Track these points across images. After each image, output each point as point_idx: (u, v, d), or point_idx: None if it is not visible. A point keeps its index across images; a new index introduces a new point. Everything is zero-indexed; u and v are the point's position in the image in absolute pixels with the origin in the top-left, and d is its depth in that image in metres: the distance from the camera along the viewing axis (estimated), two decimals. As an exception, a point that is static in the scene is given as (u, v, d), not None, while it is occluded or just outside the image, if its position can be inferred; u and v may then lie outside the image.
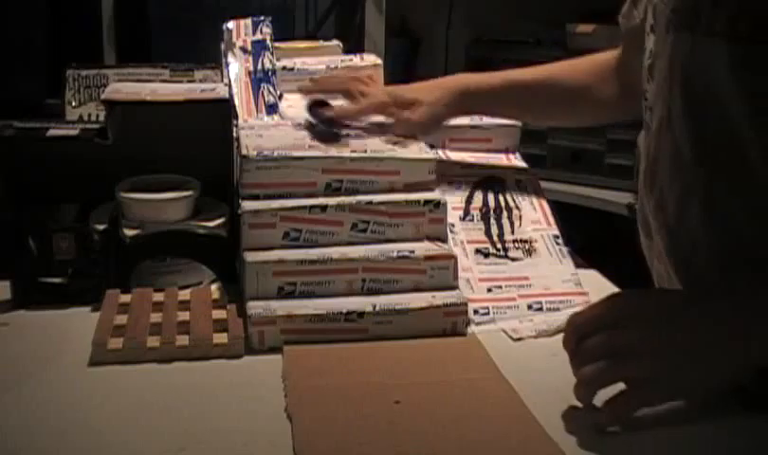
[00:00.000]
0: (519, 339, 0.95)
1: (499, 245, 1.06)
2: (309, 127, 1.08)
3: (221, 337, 0.90)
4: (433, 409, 0.79)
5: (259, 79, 1.21)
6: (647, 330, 0.75)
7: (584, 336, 0.77)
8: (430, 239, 0.98)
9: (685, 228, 0.86)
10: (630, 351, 0.75)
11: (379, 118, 1.11)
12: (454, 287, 0.96)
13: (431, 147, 1.12)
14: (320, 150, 0.99)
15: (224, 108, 1.14)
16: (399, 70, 2.62)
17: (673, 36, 0.82)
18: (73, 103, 1.38)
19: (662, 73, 0.84)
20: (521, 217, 1.10)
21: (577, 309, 0.99)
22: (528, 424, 0.77)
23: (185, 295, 0.99)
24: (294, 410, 0.78)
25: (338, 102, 1.14)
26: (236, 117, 1.14)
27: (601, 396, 0.76)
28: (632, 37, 1.02)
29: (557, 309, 1.00)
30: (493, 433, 0.76)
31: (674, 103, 0.83)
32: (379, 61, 1.41)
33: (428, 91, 1.13)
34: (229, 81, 1.21)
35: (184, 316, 0.94)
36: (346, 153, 0.99)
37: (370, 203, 0.97)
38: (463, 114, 1.17)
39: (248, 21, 1.30)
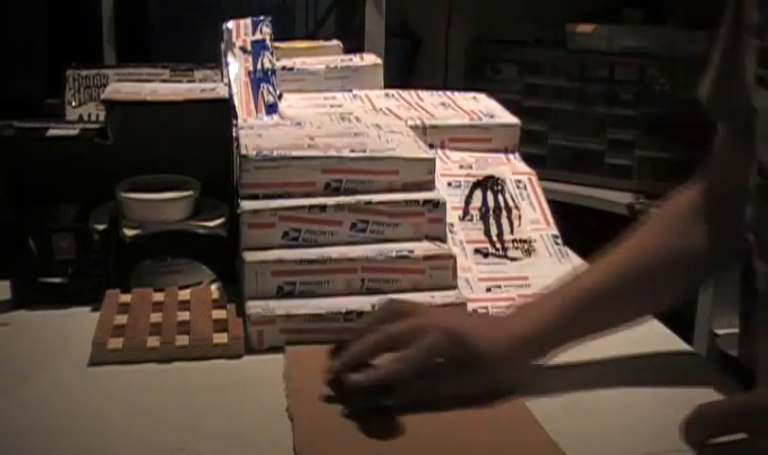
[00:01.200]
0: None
1: (498, 245, 1.07)
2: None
3: (221, 337, 0.90)
4: (435, 407, 0.79)
5: (259, 79, 1.21)
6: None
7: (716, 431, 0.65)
8: (430, 239, 0.99)
9: None
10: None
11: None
12: (453, 287, 0.96)
13: (431, 146, 1.12)
14: (320, 149, 0.99)
15: (224, 108, 1.14)
16: (399, 70, 2.62)
17: None
18: (73, 103, 1.38)
19: None
20: (520, 217, 1.10)
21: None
22: (531, 427, 0.77)
23: (185, 295, 0.99)
24: (295, 411, 0.78)
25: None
26: (236, 116, 1.14)
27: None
28: (734, 124, 0.85)
29: (557, 309, 1.00)
30: (494, 432, 0.76)
31: None
32: (379, 61, 1.41)
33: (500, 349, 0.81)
34: (229, 80, 1.21)
35: (184, 316, 0.94)
36: (346, 152, 0.99)
37: (369, 203, 0.97)
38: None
39: (248, 21, 1.31)
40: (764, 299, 0.81)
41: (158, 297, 0.98)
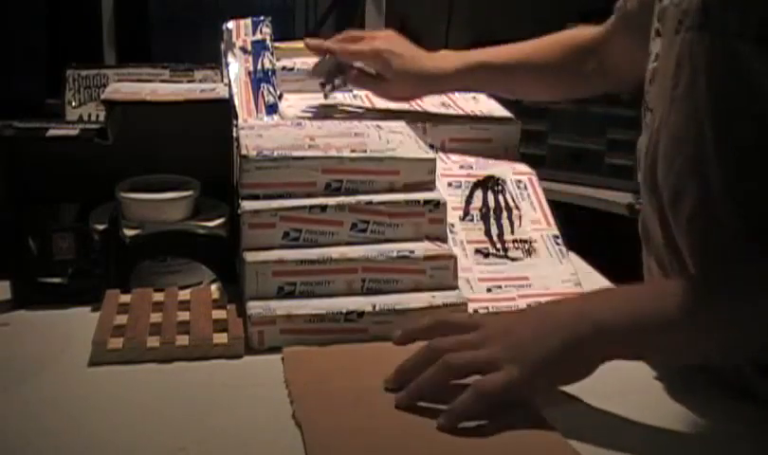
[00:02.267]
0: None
1: (498, 245, 1.06)
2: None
3: (221, 337, 0.90)
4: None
5: (259, 79, 1.21)
6: (495, 324, 0.81)
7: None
8: (430, 239, 0.98)
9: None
10: (481, 340, 0.79)
11: None
12: (454, 287, 0.96)
13: (431, 147, 1.12)
14: (320, 149, 0.99)
15: (224, 108, 1.14)
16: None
17: (687, 35, 0.81)
18: (73, 103, 1.38)
19: (667, 73, 0.83)
20: (520, 217, 1.10)
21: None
22: (538, 424, 0.76)
23: (185, 295, 0.99)
24: (303, 417, 0.77)
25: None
26: (236, 117, 1.14)
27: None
28: (624, 20, 1.16)
29: (557, 309, 1.00)
30: (506, 431, 0.75)
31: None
32: (379, 61, 1.41)
33: (416, 68, 1.20)
34: (229, 81, 1.21)
35: (184, 316, 0.94)
36: (346, 152, 0.99)
37: (369, 203, 0.97)
38: (439, 92, 1.29)
39: (248, 21, 1.31)
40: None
41: (158, 297, 0.98)
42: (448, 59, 1.22)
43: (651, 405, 0.82)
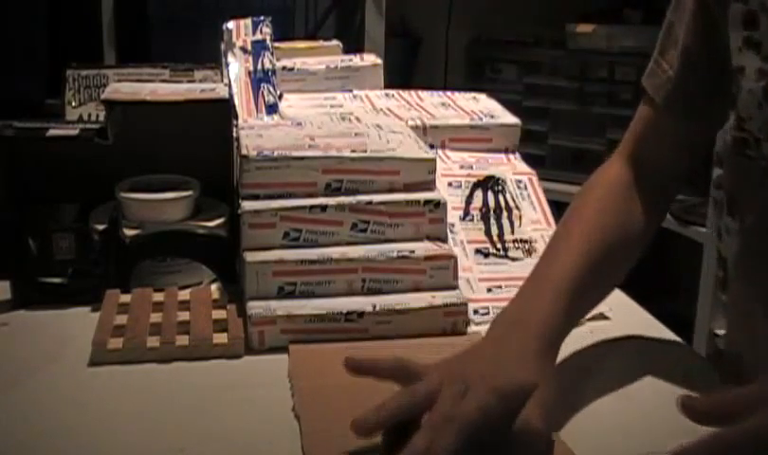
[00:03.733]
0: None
1: (499, 245, 1.06)
2: None
3: (221, 337, 0.90)
4: None
5: (259, 79, 1.21)
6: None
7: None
8: (430, 239, 0.98)
9: None
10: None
11: None
12: (454, 287, 0.96)
13: (431, 147, 1.12)
14: (320, 149, 0.99)
15: (224, 108, 1.14)
16: (399, 70, 2.62)
17: None
18: (73, 103, 1.38)
19: None
20: (520, 217, 1.10)
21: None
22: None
23: (185, 295, 0.99)
24: (302, 411, 0.78)
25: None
26: (236, 117, 1.14)
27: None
28: (670, 99, 0.91)
29: (558, 309, 1.00)
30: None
31: None
32: (379, 61, 1.41)
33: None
34: (229, 81, 1.21)
35: (184, 316, 0.94)
36: (346, 152, 0.99)
37: (370, 203, 0.97)
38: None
39: (248, 21, 1.31)
40: (741, 256, 0.83)
41: (158, 297, 0.98)
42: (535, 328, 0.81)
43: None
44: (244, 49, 1.25)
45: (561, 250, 0.87)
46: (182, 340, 0.90)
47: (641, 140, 0.95)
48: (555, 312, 0.80)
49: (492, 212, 1.10)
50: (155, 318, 0.93)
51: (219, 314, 0.94)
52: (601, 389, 0.84)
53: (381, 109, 1.25)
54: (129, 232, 1.03)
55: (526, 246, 1.07)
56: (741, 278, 0.87)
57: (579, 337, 0.96)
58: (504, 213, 1.10)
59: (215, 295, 0.99)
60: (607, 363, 0.90)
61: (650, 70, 0.94)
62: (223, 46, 1.29)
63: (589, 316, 0.98)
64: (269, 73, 1.22)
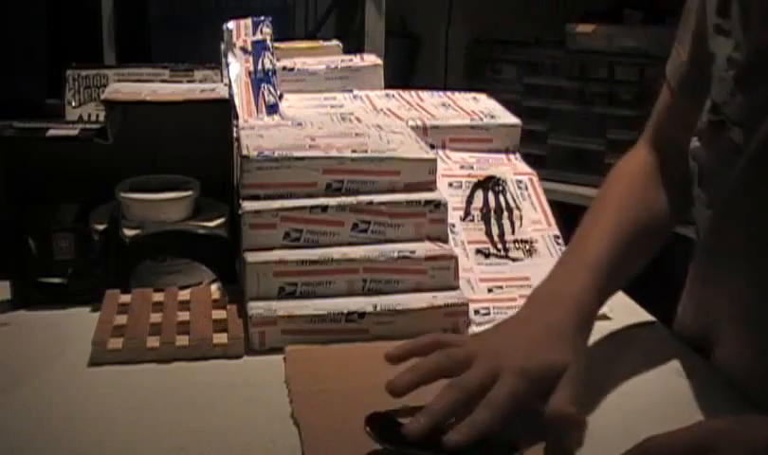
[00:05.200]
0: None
1: (499, 246, 1.06)
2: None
3: (221, 338, 0.90)
4: None
5: (259, 79, 1.21)
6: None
7: None
8: (431, 239, 0.98)
9: None
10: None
11: None
12: (455, 287, 0.96)
13: (432, 147, 1.12)
14: (321, 150, 0.99)
15: (224, 108, 1.14)
16: (399, 70, 2.62)
17: None
18: (73, 103, 1.38)
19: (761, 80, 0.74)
20: (521, 217, 1.10)
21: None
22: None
23: (185, 295, 0.98)
24: (301, 416, 0.77)
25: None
26: (236, 117, 1.14)
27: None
28: (683, 82, 0.93)
29: (558, 309, 1.00)
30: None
31: None
32: (379, 61, 1.41)
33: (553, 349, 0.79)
34: (230, 81, 1.21)
35: (184, 316, 0.94)
36: (347, 153, 0.99)
37: (370, 203, 0.97)
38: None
39: (248, 21, 1.30)
40: (708, 233, 0.85)
41: (158, 297, 0.98)
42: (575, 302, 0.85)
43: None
44: (244, 49, 1.25)
45: (594, 229, 0.91)
46: (182, 340, 0.89)
47: (661, 124, 0.98)
48: (589, 288, 0.84)
49: (493, 213, 1.10)
50: (155, 318, 0.93)
51: (219, 314, 0.94)
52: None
53: (381, 109, 1.25)
54: (129, 232, 1.03)
55: (527, 247, 1.07)
56: (705, 253, 0.89)
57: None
58: (505, 213, 1.10)
59: (215, 295, 0.99)
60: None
61: (671, 56, 0.97)
62: (223, 47, 1.29)
63: None
64: (270, 73, 1.22)
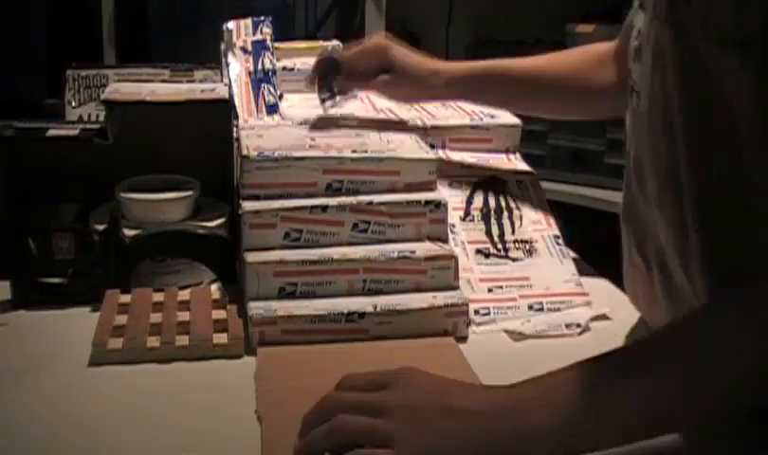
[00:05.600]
0: (519, 340, 0.95)
1: (499, 246, 1.06)
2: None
3: (221, 338, 0.90)
4: None
5: (259, 79, 1.21)
6: (412, 390, 0.69)
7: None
8: (431, 239, 0.98)
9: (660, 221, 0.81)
10: (381, 408, 0.69)
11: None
12: (455, 288, 0.96)
13: (432, 147, 1.12)
14: (321, 150, 0.99)
15: (224, 108, 1.14)
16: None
17: (657, 25, 0.77)
18: (73, 103, 1.38)
19: (648, 57, 0.79)
20: (521, 217, 1.10)
21: (579, 309, 1.00)
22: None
23: (185, 295, 0.98)
24: (264, 413, 0.78)
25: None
26: (236, 117, 1.14)
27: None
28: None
29: (558, 309, 1.00)
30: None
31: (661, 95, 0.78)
32: (380, 61, 1.41)
33: (419, 65, 1.14)
34: (230, 81, 1.21)
35: (184, 316, 0.94)
36: (347, 153, 0.98)
37: (370, 203, 0.97)
38: (444, 98, 1.23)
39: (248, 21, 1.30)
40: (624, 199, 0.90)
41: (158, 297, 0.98)
42: (444, 65, 1.17)
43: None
44: (244, 49, 1.25)
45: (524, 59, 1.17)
46: (182, 340, 0.89)
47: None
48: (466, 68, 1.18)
49: (493, 213, 1.10)
50: (155, 318, 0.93)
51: (219, 314, 0.94)
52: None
53: (381, 109, 1.25)
54: (129, 232, 1.03)
55: (527, 247, 1.07)
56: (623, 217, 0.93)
57: (581, 336, 0.97)
58: (505, 213, 1.10)
59: (215, 295, 0.99)
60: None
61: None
62: (223, 47, 1.29)
63: (592, 315, 0.98)
64: (270, 73, 1.22)
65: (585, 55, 1.14)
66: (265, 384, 0.83)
